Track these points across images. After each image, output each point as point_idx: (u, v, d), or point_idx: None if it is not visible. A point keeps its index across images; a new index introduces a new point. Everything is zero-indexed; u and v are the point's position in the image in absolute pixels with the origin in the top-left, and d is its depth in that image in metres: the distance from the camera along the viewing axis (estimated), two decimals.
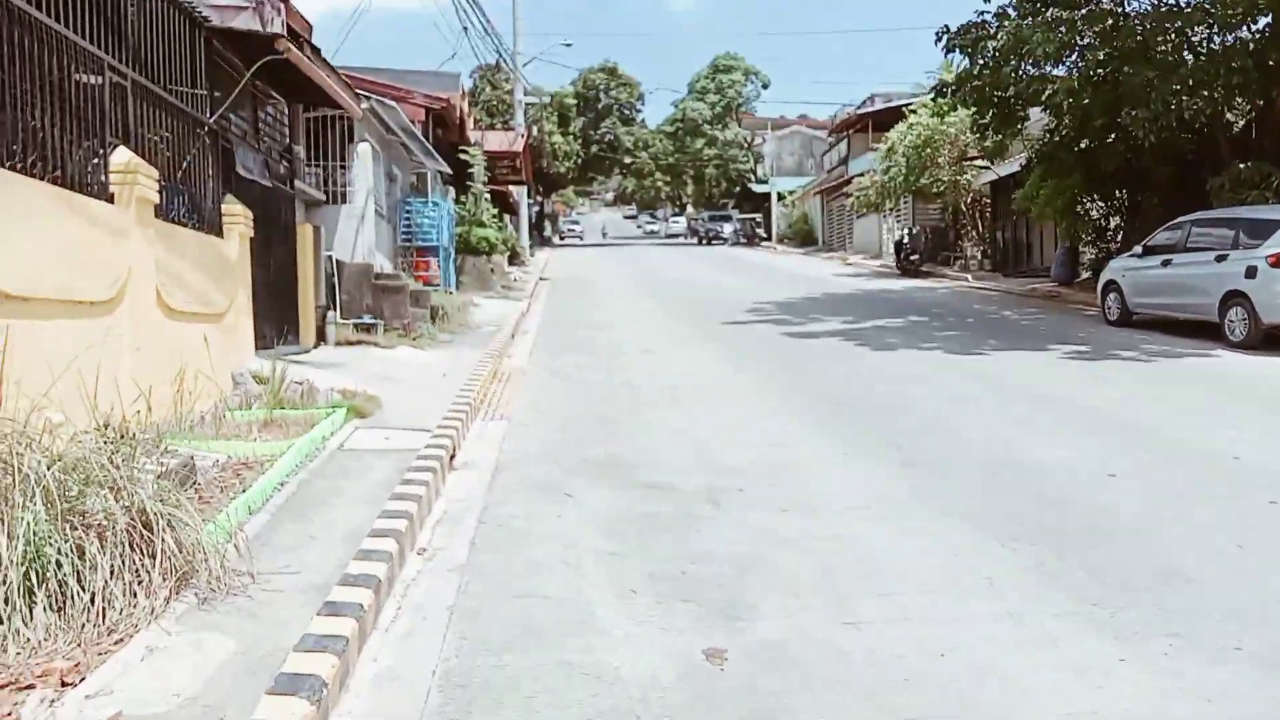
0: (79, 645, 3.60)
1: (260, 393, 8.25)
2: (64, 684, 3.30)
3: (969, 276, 27.09)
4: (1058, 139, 19.64)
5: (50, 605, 3.78)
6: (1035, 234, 26.32)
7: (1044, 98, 17.77)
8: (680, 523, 5.57)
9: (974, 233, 31.45)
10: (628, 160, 71.52)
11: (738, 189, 69.14)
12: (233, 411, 7.77)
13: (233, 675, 3.35)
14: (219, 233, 8.73)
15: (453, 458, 7.09)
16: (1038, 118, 20.54)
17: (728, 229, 57.22)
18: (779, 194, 58.46)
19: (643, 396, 9.77)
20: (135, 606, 3.87)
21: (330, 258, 12.46)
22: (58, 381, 5.16)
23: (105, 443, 4.93)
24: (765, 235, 57.81)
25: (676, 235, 73.27)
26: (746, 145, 69.20)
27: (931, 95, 24.42)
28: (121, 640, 3.65)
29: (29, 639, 3.60)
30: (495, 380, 10.83)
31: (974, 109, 19.61)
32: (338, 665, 3.50)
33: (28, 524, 3.80)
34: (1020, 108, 18.99)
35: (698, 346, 13.70)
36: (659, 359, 12.49)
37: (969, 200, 30.36)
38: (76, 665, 3.43)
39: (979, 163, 27.27)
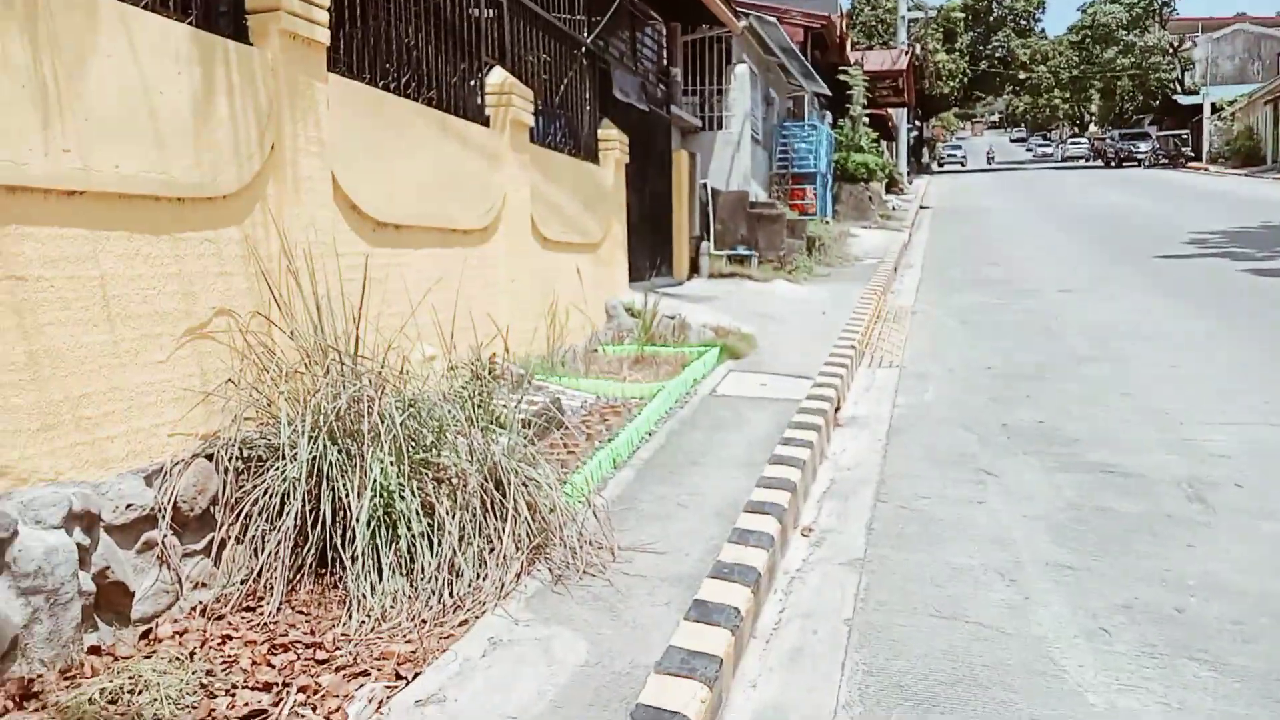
0: (421, 622, 3.11)
1: (632, 326, 7.79)
2: (398, 675, 2.79)
3: None
4: None
5: (399, 569, 3.35)
6: None
7: None
8: (1158, 528, 4.08)
9: None
10: (1021, 77, 64.46)
11: (1156, 102, 59.45)
12: (604, 346, 7.37)
13: (580, 700, 2.62)
14: (594, 159, 8.34)
15: (837, 410, 6.05)
16: None
17: (1143, 148, 49.43)
18: (1213, 105, 49.24)
19: (1067, 346, 7.99)
20: (484, 580, 3.33)
21: (705, 186, 11.86)
22: (420, 313, 4.86)
23: (471, 379, 4.52)
24: (1192, 154, 49.21)
25: (1075, 158, 65.08)
26: (1172, 50, 59.06)
27: None
28: (466, 622, 3.11)
29: (373, 608, 3.17)
30: (880, 320, 9.58)
31: None
32: (707, 700, 2.66)
33: (377, 475, 3.39)
34: None
35: (1127, 284, 11.30)
36: (1079, 299, 10.40)
37: None
38: (414, 652, 2.92)
39: None
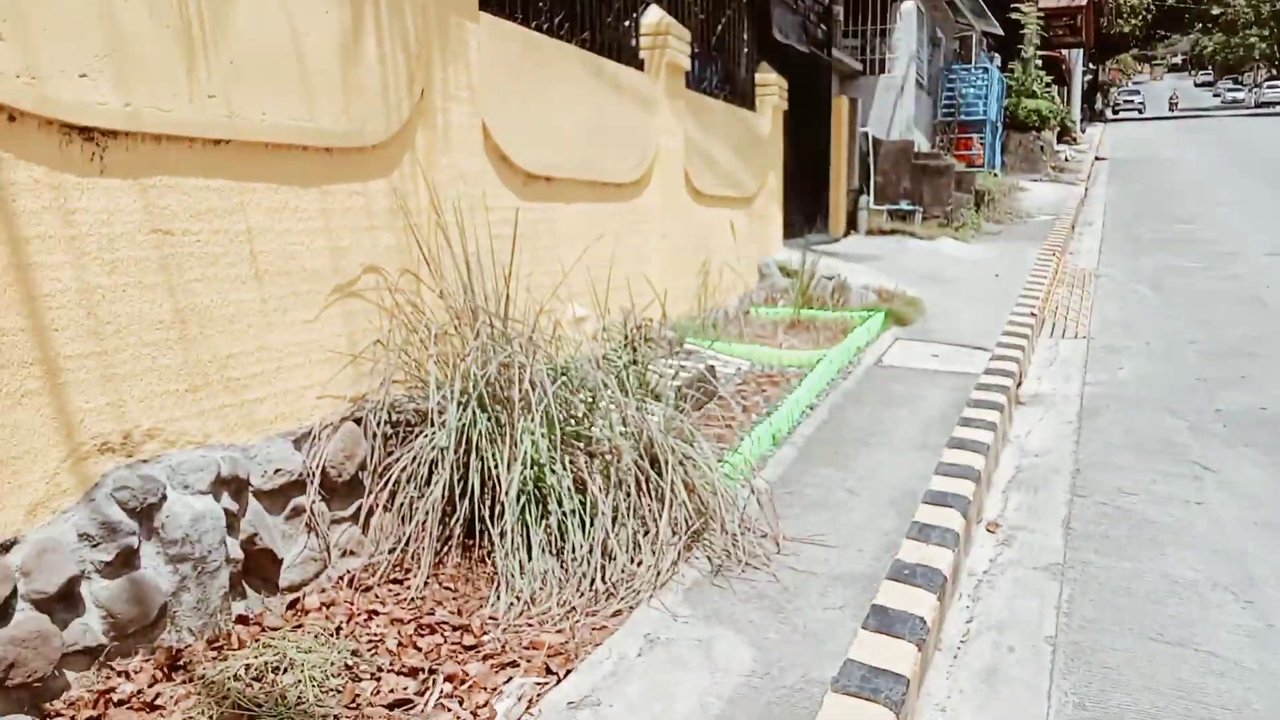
0: (571, 610, 2.90)
1: (786, 287, 7.38)
2: (548, 669, 2.58)
3: None
4: None
5: (549, 548, 3.15)
6: None
7: None
8: None
9: None
10: (1214, 12, 58.76)
11: None
12: (757, 309, 6.99)
13: (748, 718, 2.34)
14: (751, 105, 7.89)
15: (1018, 386, 5.50)
16: None
17: None
18: None
19: None
20: (639, 565, 3.08)
21: (866, 135, 11.18)
22: (570, 272, 4.63)
23: (624, 344, 4.27)
24: None
25: (1272, 104, 59.11)
26: None
27: None
28: (620, 613, 2.87)
29: (521, 590, 2.98)
30: (1059, 284, 8.79)
31: None
32: None
33: (528, 447, 3.18)
34: None
35: None
36: None
37: None
38: (565, 643, 2.71)
39: None
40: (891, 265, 8.91)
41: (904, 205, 11.10)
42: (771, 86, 7.98)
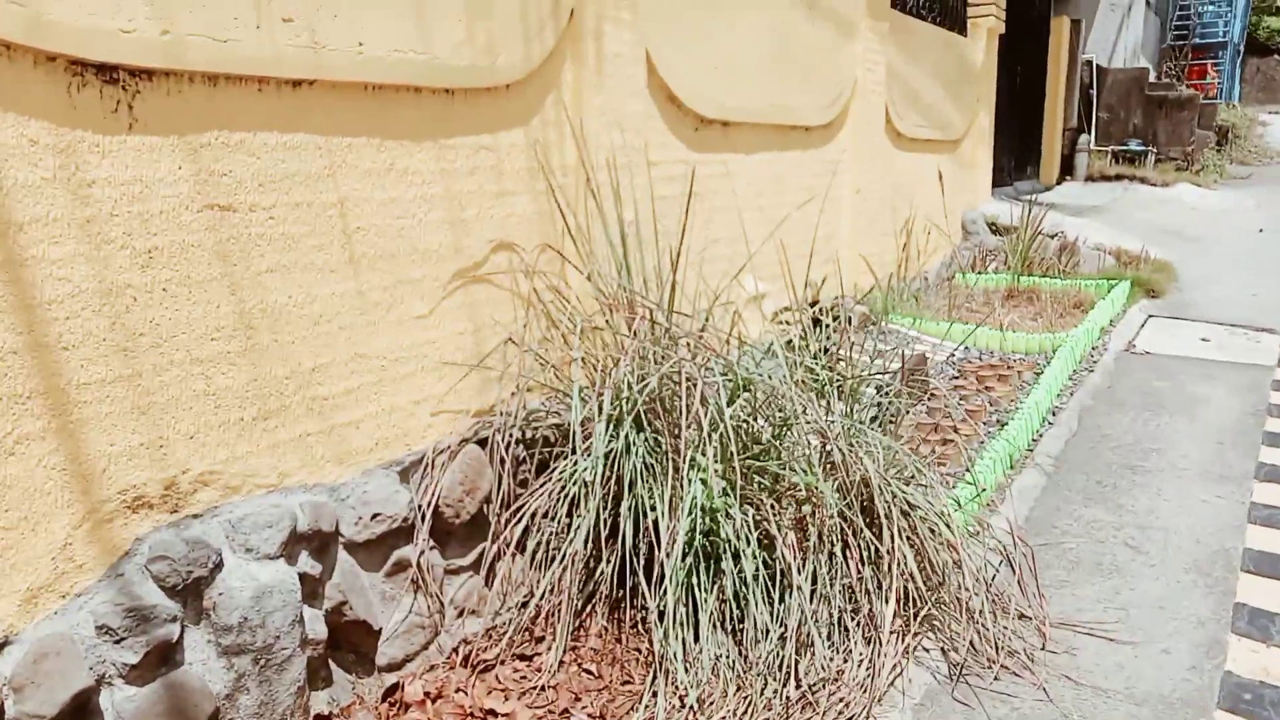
0: None
1: (997, 247, 6.26)
2: None
3: None
4: None
5: (720, 624, 2.39)
6: None
7: None
8: None
9: None
10: None
11: None
12: (963, 274, 5.93)
13: None
14: (961, 29, 6.70)
15: None
16: None
17: None
18: None
19: None
20: (847, 661, 2.28)
21: (1089, 63, 9.61)
22: (745, 235, 3.80)
23: (810, 326, 3.43)
24: None
25: None
26: None
27: None
28: None
29: (685, 688, 2.24)
30: None
31: None
32: None
33: (697, 489, 2.41)
34: None
35: None
36: None
37: None
38: None
39: None
40: (1122, 219, 7.55)
41: (1133, 146, 9.54)
42: (988, 5, 6.75)
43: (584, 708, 2.24)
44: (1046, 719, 2.08)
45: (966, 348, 4.50)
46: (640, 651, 2.43)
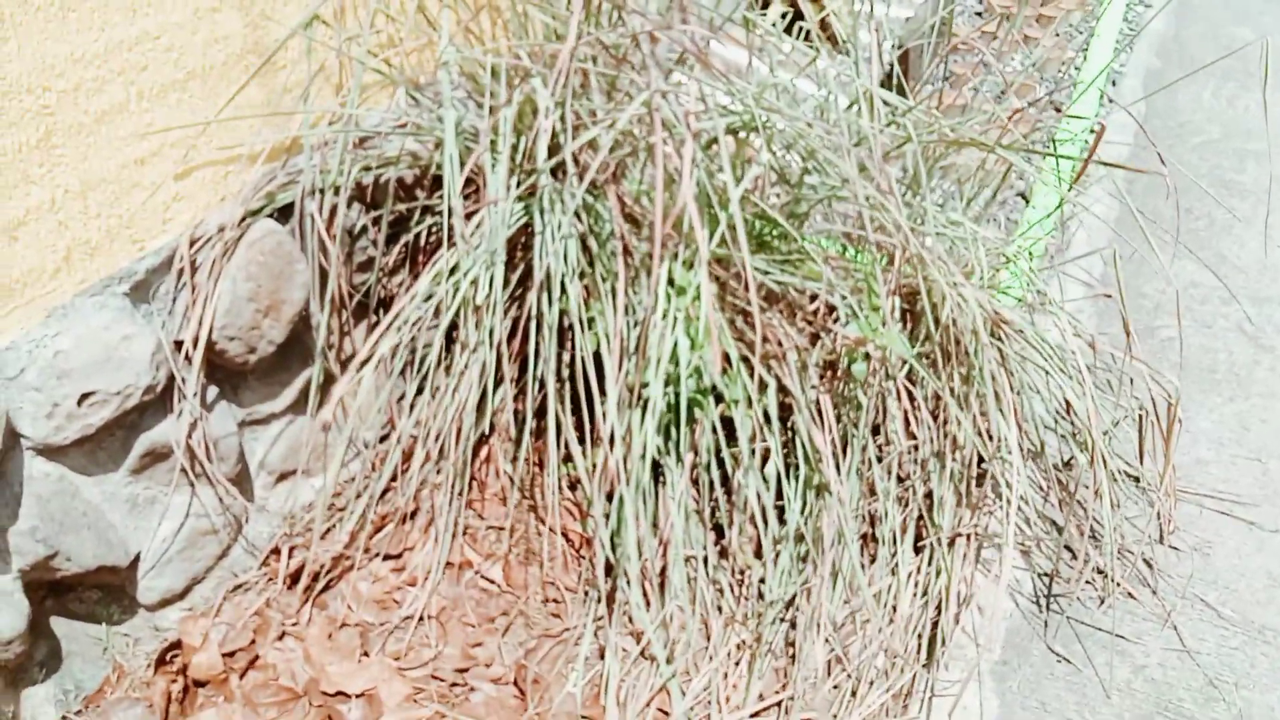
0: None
1: None
2: None
3: None
4: None
5: (698, 512, 1.59)
6: None
7: None
8: None
9: None
10: None
11: None
12: None
13: None
14: None
15: None
16: None
17: None
18: None
19: None
20: (894, 579, 1.55)
21: None
22: None
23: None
24: None
25: None
26: None
27: None
28: None
29: (630, 615, 1.49)
30: None
31: None
32: None
33: (672, 300, 1.45)
34: None
35: None
36: None
37: None
38: None
39: None
40: None
41: None
42: None
43: (485, 664, 1.47)
44: (1186, 686, 1.44)
45: None
46: (572, 541, 1.63)
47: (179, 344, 1.38)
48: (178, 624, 1.44)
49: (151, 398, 1.33)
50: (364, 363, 1.47)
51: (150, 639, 1.44)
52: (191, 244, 1.38)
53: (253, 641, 1.44)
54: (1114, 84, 2.85)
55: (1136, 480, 1.72)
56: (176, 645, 1.42)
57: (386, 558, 1.58)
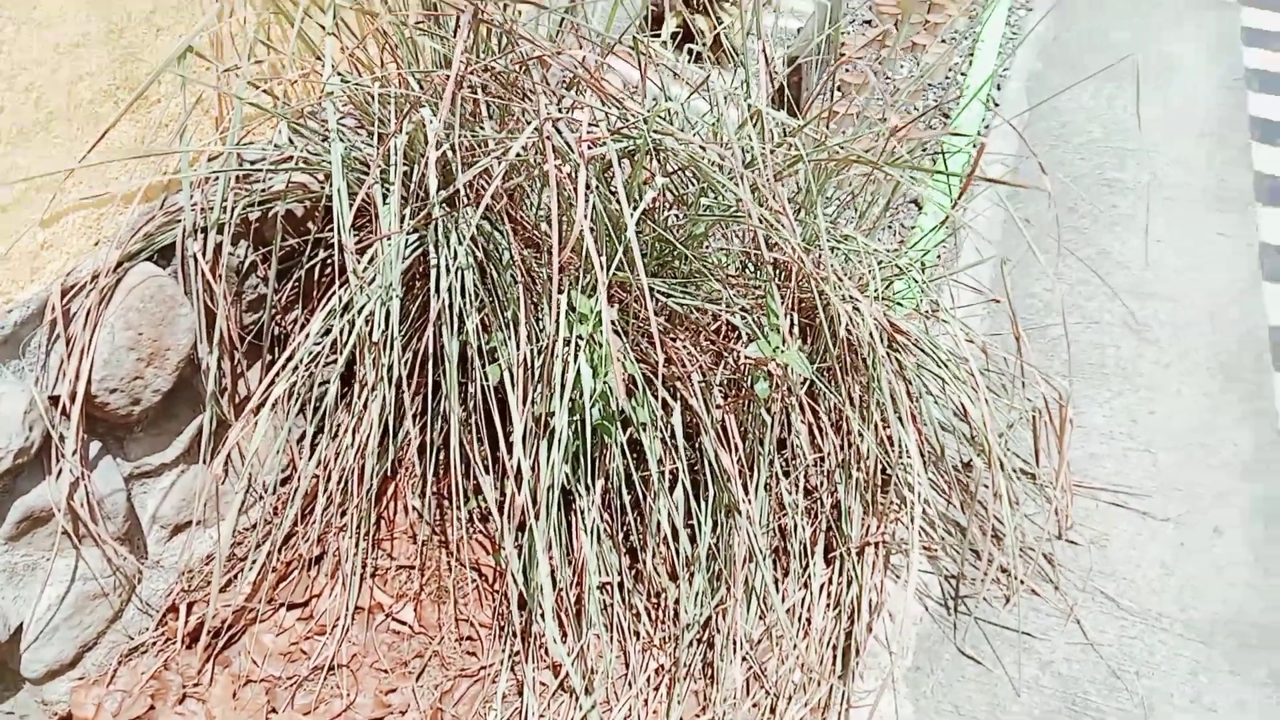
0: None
1: None
2: None
3: None
4: None
5: (610, 534, 1.58)
6: None
7: None
8: None
9: None
10: None
11: None
12: None
13: None
14: None
15: None
16: None
17: None
18: None
19: None
20: (805, 592, 1.57)
21: None
22: None
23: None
24: None
25: None
26: None
27: None
28: None
29: (545, 646, 1.48)
30: None
31: None
32: None
33: (580, 369, 1.45)
34: None
35: None
36: None
37: None
38: None
39: None
40: None
41: None
42: None
43: (400, 712, 1.44)
44: (1090, 679, 1.49)
45: None
46: (485, 575, 1.61)
47: (55, 399, 1.32)
48: (68, 695, 1.37)
49: (26, 460, 1.27)
50: (259, 406, 1.43)
51: (38, 715, 1.37)
52: (64, 293, 1.32)
53: (151, 708, 1.38)
54: (999, 88, 2.95)
55: (1034, 478, 1.79)
56: (68, 719, 1.35)
57: (292, 607, 1.54)
